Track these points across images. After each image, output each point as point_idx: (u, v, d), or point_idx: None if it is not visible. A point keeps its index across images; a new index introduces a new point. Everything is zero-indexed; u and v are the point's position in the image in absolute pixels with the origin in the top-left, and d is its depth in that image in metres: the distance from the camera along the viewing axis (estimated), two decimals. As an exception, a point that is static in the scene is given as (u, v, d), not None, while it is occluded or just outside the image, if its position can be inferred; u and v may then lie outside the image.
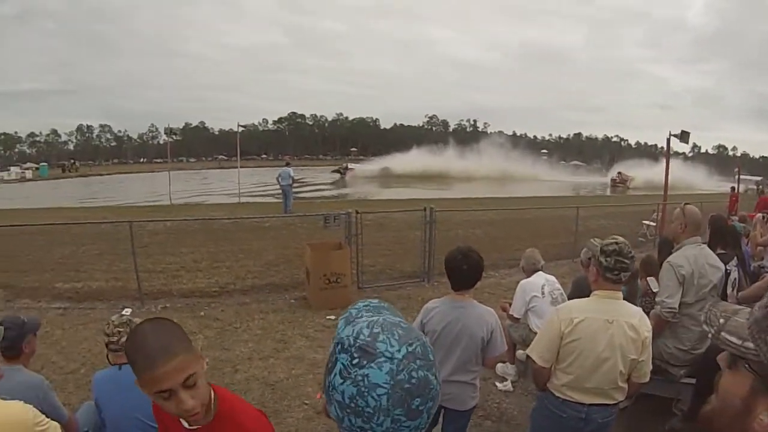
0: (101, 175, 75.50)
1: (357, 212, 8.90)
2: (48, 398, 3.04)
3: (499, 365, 5.44)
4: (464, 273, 3.22)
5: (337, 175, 55.20)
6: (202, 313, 7.73)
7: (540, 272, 5.33)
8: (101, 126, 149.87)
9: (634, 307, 2.95)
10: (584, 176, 66.87)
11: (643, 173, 59.08)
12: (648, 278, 4.69)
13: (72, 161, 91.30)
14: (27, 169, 76.43)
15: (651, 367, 2.93)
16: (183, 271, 10.40)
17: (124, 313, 3.42)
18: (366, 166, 63.55)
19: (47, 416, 2.32)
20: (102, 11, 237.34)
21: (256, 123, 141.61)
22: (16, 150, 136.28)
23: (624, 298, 2.96)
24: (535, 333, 4.11)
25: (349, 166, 61.25)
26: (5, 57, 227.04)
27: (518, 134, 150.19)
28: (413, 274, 9.47)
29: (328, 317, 7.24)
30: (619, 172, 62.10)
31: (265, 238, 13.30)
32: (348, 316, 1.08)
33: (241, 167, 32.01)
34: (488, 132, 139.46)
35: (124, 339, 3.05)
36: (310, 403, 4.91)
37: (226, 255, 11.60)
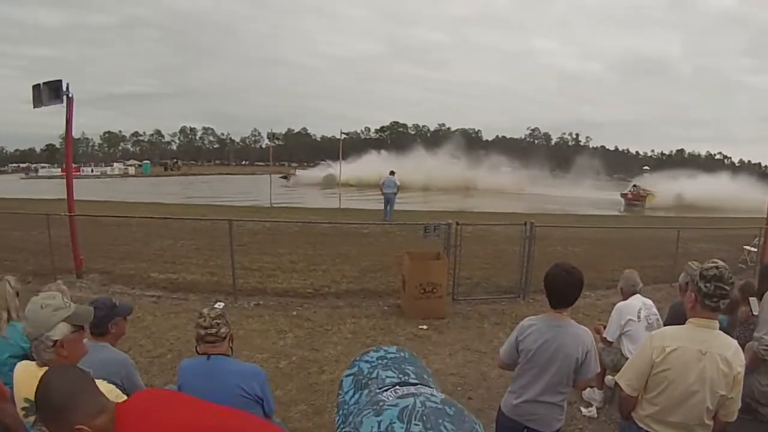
0: (203, 174, 79.31)
1: (457, 223, 8.91)
2: (131, 377, 3.20)
3: (587, 389, 5.29)
4: (565, 291, 3.15)
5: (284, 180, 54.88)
6: (294, 313, 7.97)
7: (637, 295, 5.16)
8: (204, 128, 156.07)
9: (730, 338, 2.77)
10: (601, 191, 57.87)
11: (674, 187, 49.99)
12: (750, 299, 4.30)
13: (174, 160, 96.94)
14: (130, 165, 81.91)
15: (740, 405, 2.76)
16: (279, 271, 10.74)
17: (216, 306, 3.51)
18: (310, 173, 63.67)
19: (128, 394, 2.43)
20: (205, 22, 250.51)
21: (359, 131, 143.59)
22: (120, 147, 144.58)
23: (724, 328, 2.82)
24: (627, 358, 4.05)
25: (295, 172, 61.76)
26: (110, 62, 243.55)
27: (620, 149, 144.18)
28: (509, 290, 9.34)
29: (420, 326, 7.28)
30: (635, 185, 51.45)
31: (363, 245, 13.55)
32: (357, 372, 0.91)
33: (342, 174, 32.55)
34: (590, 146, 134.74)
35: (223, 330, 3.22)
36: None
37: (324, 259, 11.88)
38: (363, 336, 6.89)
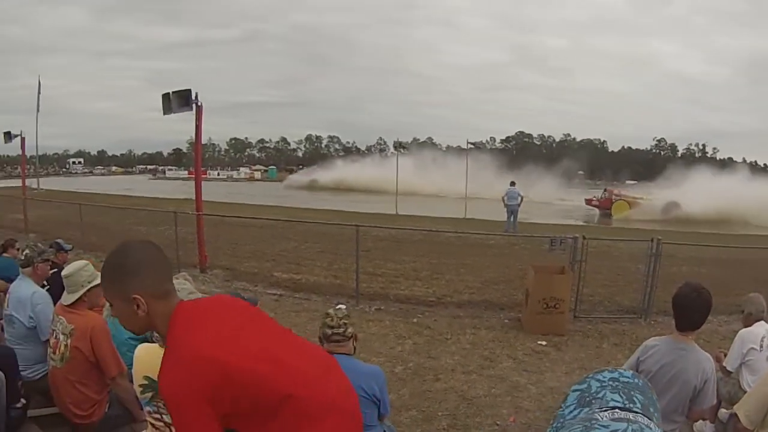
0: None
1: (584, 237, 8.62)
2: None
3: (699, 422, 4.83)
4: (693, 312, 3.00)
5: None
6: (415, 320, 7.99)
7: (762, 322, 4.66)
8: (330, 137, 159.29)
9: None
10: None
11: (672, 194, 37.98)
12: None
13: (300, 166, 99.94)
14: (256, 170, 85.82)
15: None
16: (402, 278, 10.84)
17: (338, 308, 3.54)
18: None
19: None
20: (326, 34, 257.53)
21: (484, 141, 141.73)
22: (246, 153, 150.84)
23: None
24: (744, 391, 3.83)
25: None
26: (236, 73, 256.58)
27: (748, 161, 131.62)
28: (630, 309, 8.86)
29: (539, 342, 7.08)
30: (606, 190, 41.81)
31: (487, 256, 13.38)
32: (585, 388, 0.89)
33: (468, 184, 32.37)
34: (716, 158, 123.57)
35: (349, 330, 3.26)
36: (501, 425, 4.87)
37: (447, 268, 11.85)
38: (481, 347, 6.81)
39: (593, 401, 0.84)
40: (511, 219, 20.36)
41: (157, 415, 2.50)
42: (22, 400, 3.87)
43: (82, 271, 3.95)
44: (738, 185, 42.73)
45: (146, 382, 2.48)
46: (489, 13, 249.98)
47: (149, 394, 2.49)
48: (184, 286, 2.62)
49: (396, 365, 6.10)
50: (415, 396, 5.32)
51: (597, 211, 38.09)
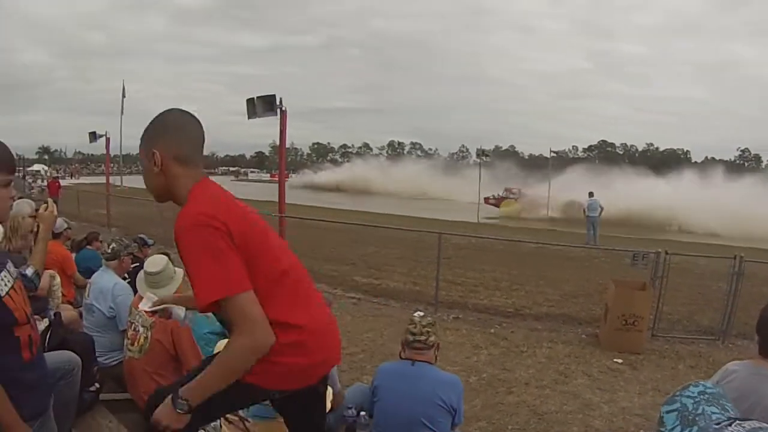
0: None
1: (666, 252, 8.34)
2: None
3: None
4: None
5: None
6: (492, 330, 7.97)
7: None
8: (412, 143, 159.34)
9: None
10: None
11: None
12: None
13: None
14: None
15: None
16: (481, 288, 10.82)
17: (415, 315, 3.54)
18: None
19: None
20: (407, 40, 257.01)
21: (567, 150, 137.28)
22: (328, 158, 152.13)
23: None
24: None
25: None
26: (318, 79, 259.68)
27: None
28: (708, 330, 8.48)
29: (615, 360, 6.88)
30: (505, 189, 41.20)
31: (567, 268, 13.13)
32: (680, 408, 0.88)
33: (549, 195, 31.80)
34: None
35: (432, 338, 3.25)
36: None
37: (527, 279, 11.75)
38: (557, 362, 6.71)
39: (696, 418, 0.84)
40: (591, 231, 19.95)
41: None
42: (96, 385, 3.89)
43: (168, 267, 4.08)
44: (668, 188, 44.90)
45: None
46: (567, 18, 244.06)
47: None
48: None
49: (470, 375, 6.09)
50: (486, 407, 5.30)
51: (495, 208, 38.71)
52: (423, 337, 3.22)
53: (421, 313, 3.57)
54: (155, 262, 4.08)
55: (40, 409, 2.21)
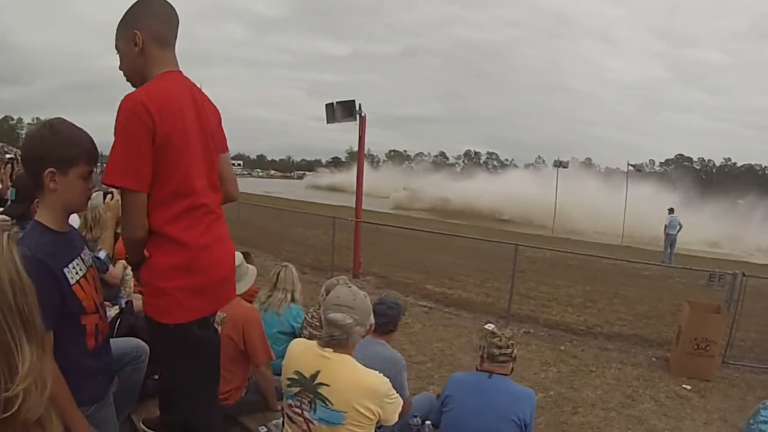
0: None
1: (743, 274, 7.98)
2: (399, 376, 3.35)
3: None
4: None
5: None
6: (562, 347, 7.87)
7: None
8: (488, 153, 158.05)
9: None
10: None
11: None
12: None
13: None
14: None
15: None
16: (554, 303, 10.68)
17: (486, 327, 3.55)
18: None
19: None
20: (484, 49, 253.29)
21: (644, 164, 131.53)
22: (404, 166, 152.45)
23: None
24: None
25: None
26: (396, 87, 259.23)
27: None
28: None
29: (683, 386, 6.66)
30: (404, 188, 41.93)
31: (641, 287, 12.81)
32: None
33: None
34: None
35: (514, 351, 3.25)
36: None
37: (600, 296, 11.53)
38: (625, 384, 6.56)
39: None
40: (668, 249, 19.33)
41: (298, 410, 2.57)
42: None
43: (243, 263, 4.09)
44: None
45: (296, 377, 2.56)
46: (645, 25, 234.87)
47: (296, 389, 2.56)
48: (346, 288, 2.67)
49: (537, 392, 5.82)
50: (550, 426, 5.27)
51: None
52: (509, 350, 3.21)
53: (492, 325, 3.58)
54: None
55: (97, 396, 2.25)
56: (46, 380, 0.98)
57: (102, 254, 3.18)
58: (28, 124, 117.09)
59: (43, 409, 0.98)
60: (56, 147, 1.98)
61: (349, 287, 2.68)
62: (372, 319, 2.65)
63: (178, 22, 2.32)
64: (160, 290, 2.26)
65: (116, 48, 2.26)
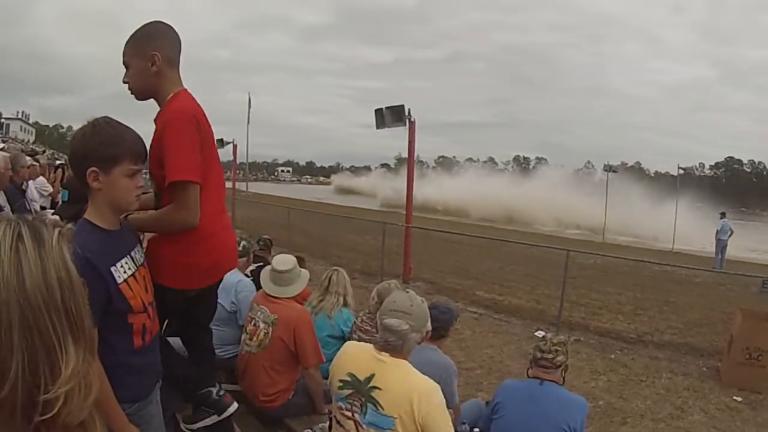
0: None
1: None
2: (449, 381, 3.30)
3: None
4: None
5: None
6: (612, 356, 7.79)
7: None
8: (537, 158, 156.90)
9: None
10: None
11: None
12: None
13: None
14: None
15: None
16: (605, 311, 10.52)
17: (536, 334, 3.61)
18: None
19: (445, 396, 2.53)
20: (530, 53, 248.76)
21: (694, 167, 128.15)
22: (453, 172, 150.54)
23: None
24: None
25: None
26: (442, 93, 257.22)
27: None
28: None
29: (734, 397, 6.50)
30: None
31: (692, 294, 12.55)
32: None
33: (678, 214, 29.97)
34: None
35: (559, 357, 3.14)
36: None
37: (651, 303, 11.34)
38: (675, 395, 6.46)
39: None
40: (720, 255, 18.82)
41: (348, 413, 2.53)
42: None
43: (296, 267, 4.11)
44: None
45: (348, 379, 2.53)
46: (690, 24, 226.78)
47: (348, 392, 2.53)
48: (404, 293, 2.68)
49: (586, 401, 6.01)
50: None
51: None
52: (550, 356, 3.13)
53: (542, 333, 3.61)
54: (285, 261, 4.12)
55: (141, 394, 2.23)
56: (91, 384, 0.94)
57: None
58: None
59: (87, 413, 0.94)
60: (98, 146, 1.97)
61: (407, 292, 2.68)
62: (429, 326, 2.65)
63: (180, 46, 2.51)
64: (183, 265, 2.49)
65: (126, 63, 2.39)
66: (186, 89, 2.46)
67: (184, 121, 2.30)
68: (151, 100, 2.48)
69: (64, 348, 0.88)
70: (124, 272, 2.08)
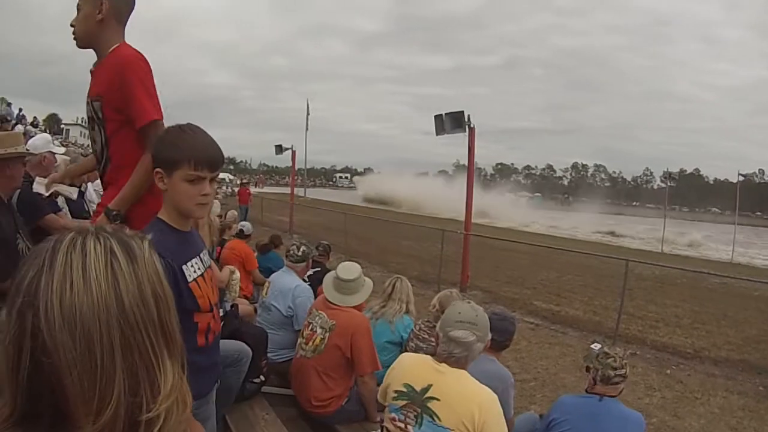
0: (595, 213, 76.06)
1: None
2: (506, 393, 3.18)
3: None
4: None
5: None
6: (668, 371, 7.59)
7: None
8: (596, 166, 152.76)
9: None
10: None
11: None
12: None
13: (566, 195, 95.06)
14: (521, 196, 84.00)
15: None
16: (661, 324, 10.23)
17: (592, 347, 3.42)
18: None
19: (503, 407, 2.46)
20: (588, 57, 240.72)
21: (754, 173, 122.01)
22: (512, 179, 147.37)
23: None
24: None
25: None
26: (498, 99, 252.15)
27: None
28: None
29: None
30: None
31: (750, 308, 12.06)
32: None
33: (738, 224, 28.95)
34: None
35: (626, 371, 3.03)
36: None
37: (709, 317, 10.98)
38: (729, 415, 6.24)
39: None
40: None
41: (401, 424, 2.46)
42: (261, 377, 3.88)
43: (361, 275, 4.00)
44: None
45: (404, 390, 2.46)
46: (747, 24, 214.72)
47: (403, 402, 2.46)
48: (466, 304, 2.60)
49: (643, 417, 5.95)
50: None
51: None
52: (623, 371, 3.00)
53: (599, 345, 3.44)
54: (351, 269, 4.01)
55: (200, 392, 2.16)
56: (186, 398, 0.91)
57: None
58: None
59: (184, 427, 0.91)
60: (161, 149, 1.97)
61: (468, 302, 2.60)
62: (490, 335, 2.56)
63: (134, 6, 2.52)
64: None
65: (78, 6, 2.36)
66: (127, 43, 2.43)
67: (145, 63, 2.34)
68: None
69: (162, 364, 0.85)
70: (194, 272, 2.07)
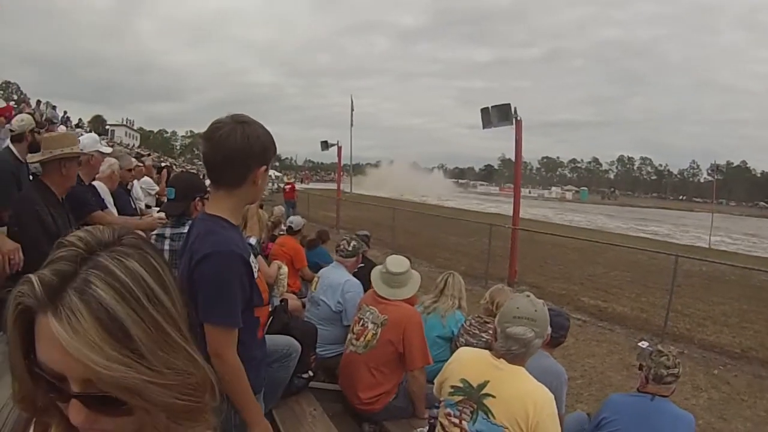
0: (639, 207, 73.93)
1: None
2: (560, 389, 3.03)
3: None
4: None
5: None
6: (715, 372, 7.24)
7: None
8: (642, 158, 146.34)
9: None
10: None
11: None
12: None
13: (612, 189, 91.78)
14: (567, 190, 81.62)
15: None
16: (709, 322, 9.73)
17: (640, 344, 3.30)
18: None
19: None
20: (628, 45, 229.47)
21: None
22: (557, 173, 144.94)
23: None
24: None
25: None
26: (542, 92, 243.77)
27: None
28: None
29: None
30: None
31: None
32: None
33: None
34: None
35: (679, 370, 2.87)
36: None
37: (757, 316, 10.33)
38: None
39: None
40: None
41: (456, 419, 2.35)
42: (310, 373, 3.75)
43: (410, 269, 3.87)
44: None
45: (461, 385, 2.35)
46: None
47: (459, 398, 2.34)
48: (525, 298, 2.45)
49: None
50: None
51: None
52: (676, 370, 2.83)
53: (646, 343, 3.29)
54: (400, 263, 3.87)
55: (258, 387, 2.02)
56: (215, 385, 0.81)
57: (253, 240, 3.33)
58: (182, 136, 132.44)
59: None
60: (267, 145, 1.87)
61: (528, 296, 2.45)
62: (549, 330, 2.42)
63: None
64: None
65: None
66: None
67: None
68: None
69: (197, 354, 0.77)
70: (254, 266, 1.94)
